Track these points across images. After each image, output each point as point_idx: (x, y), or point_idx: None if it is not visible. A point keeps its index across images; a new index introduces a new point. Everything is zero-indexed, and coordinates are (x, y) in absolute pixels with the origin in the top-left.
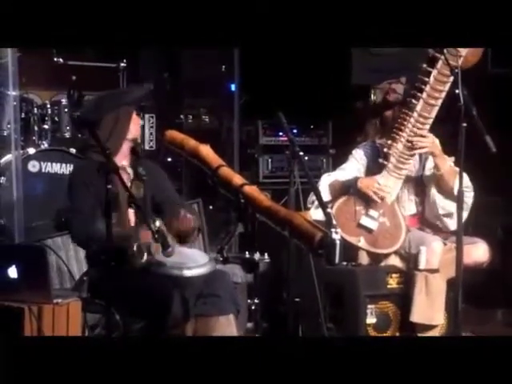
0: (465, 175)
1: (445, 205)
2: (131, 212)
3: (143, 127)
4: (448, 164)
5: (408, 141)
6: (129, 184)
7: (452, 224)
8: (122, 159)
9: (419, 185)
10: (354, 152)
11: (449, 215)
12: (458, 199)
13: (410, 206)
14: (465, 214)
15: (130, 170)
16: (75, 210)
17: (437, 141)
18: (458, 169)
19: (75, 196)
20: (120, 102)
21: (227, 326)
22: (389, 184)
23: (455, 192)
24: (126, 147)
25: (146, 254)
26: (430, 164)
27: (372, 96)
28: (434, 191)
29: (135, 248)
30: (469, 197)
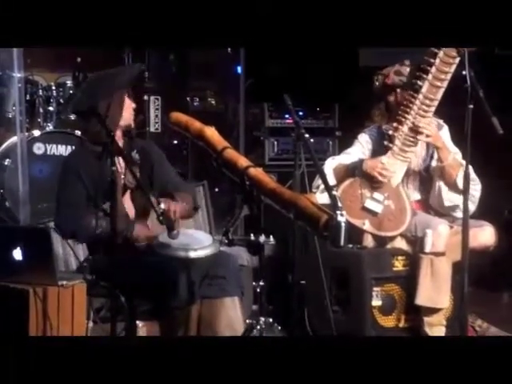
0: (470, 168)
1: (450, 197)
2: (128, 197)
3: (149, 109)
4: (451, 156)
5: (414, 123)
6: (123, 170)
7: (457, 216)
8: None
9: (425, 172)
10: (359, 136)
11: (454, 208)
12: (464, 180)
13: (414, 192)
14: (472, 207)
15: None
16: (65, 204)
17: (445, 129)
18: (462, 161)
19: (66, 185)
20: (113, 87)
21: (232, 308)
22: (394, 166)
23: (459, 185)
24: (118, 133)
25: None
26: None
27: (375, 81)
28: (440, 183)
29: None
30: (476, 190)
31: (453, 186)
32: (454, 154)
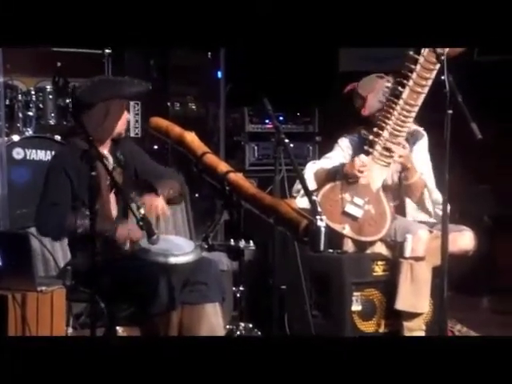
0: (436, 190)
1: (413, 214)
2: (113, 199)
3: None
4: (417, 176)
5: (394, 129)
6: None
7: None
8: (104, 148)
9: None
10: (339, 141)
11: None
12: (445, 185)
13: (395, 197)
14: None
15: (110, 158)
16: (48, 201)
17: (425, 138)
18: (425, 181)
19: (51, 184)
20: (116, 93)
21: (213, 314)
22: (374, 171)
23: (421, 205)
24: (107, 139)
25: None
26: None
27: (354, 100)
28: (405, 199)
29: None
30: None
31: (415, 204)
32: (419, 174)
